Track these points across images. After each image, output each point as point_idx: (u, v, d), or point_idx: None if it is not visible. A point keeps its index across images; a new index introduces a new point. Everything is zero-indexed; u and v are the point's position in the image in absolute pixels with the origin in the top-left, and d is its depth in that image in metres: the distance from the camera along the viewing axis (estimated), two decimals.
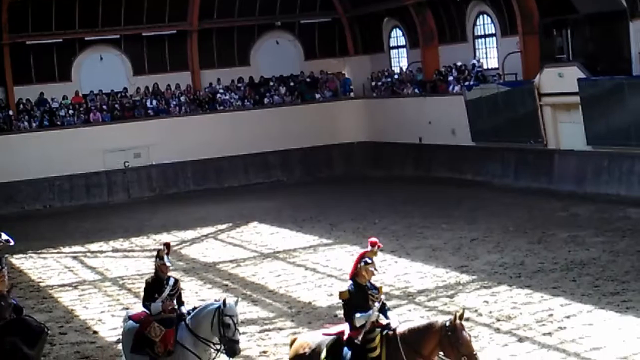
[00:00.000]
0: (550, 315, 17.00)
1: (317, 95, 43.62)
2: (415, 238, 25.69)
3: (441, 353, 10.54)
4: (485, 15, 37.67)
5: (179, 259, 25.28)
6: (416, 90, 39.90)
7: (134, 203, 38.45)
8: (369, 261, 11.02)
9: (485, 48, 38.17)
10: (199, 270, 23.85)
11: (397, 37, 43.63)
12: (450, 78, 37.86)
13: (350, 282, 11.09)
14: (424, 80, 39.89)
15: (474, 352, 10.38)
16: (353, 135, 42.59)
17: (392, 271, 21.82)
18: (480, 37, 38.32)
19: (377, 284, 11.17)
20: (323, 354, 11.01)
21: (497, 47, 37.20)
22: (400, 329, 10.84)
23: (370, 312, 10.89)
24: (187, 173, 40.80)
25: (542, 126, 32.38)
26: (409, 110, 39.46)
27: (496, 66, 36.58)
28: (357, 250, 24.21)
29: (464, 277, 20.70)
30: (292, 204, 34.31)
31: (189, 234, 29.74)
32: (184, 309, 12.89)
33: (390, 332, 10.83)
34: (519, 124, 33.27)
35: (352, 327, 10.90)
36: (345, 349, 10.90)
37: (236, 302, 12.30)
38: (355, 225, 28.42)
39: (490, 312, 17.61)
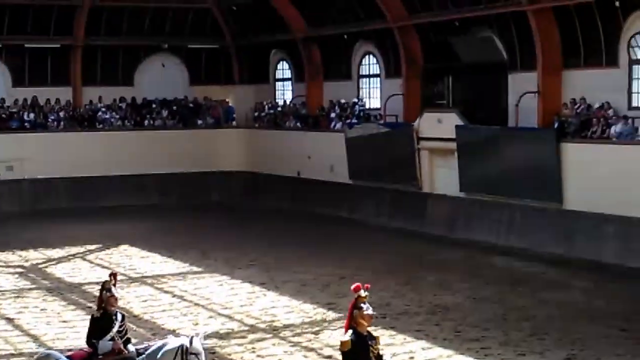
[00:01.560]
0: (412, 358, 17.22)
1: (199, 122, 43.43)
2: (286, 272, 25.71)
3: None
4: (371, 56, 38.25)
5: (44, 277, 24.70)
6: (298, 124, 40.14)
7: (3, 216, 37.42)
8: (363, 306, 10.59)
9: (369, 88, 38.73)
10: (63, 291, 23.33)
11: (284, 69, 43.90)
12: (333, 115, 38.21)
13: (350, 331, 10.50)
14: (307, 115, 40.16)
15: None
16: (232, 164, 42.51)
17: (259, 304, 21.77)
18: (365, 76, 38.88)
19: (375, 334, 10.77)
20: None
21: (380, 88, 37.78)
22: None
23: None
24: (60, 190, 39.96)
25: (419, 169, 32.94)
26: (289, 143, 39.65)
27: (378, 106, 37.12)
28: (226, 280, 24.21)
29: (331, 314, 20.79)
30: (165, 229, 33.98)
31: (57, 252, 29.11)
32: (131, 348, 12.13)
33: None
34: (397, 165, 33.76)
35: None
36: None
37: (204, 336, 11.63)
38: (227, 255, 28.29)
39: None
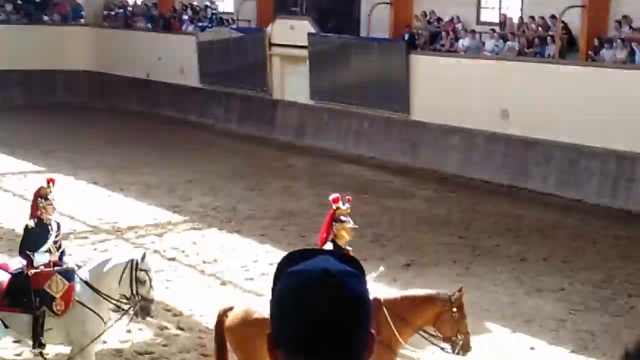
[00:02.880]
0: (255, 261, 17.31)
1: (46, 17, 41.76)
2: (132, 174, 25.29)
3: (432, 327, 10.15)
4: None
5: None
6: (149, 25, 39.14)
7: None
8: (345, 219, 10.36)
9: None
10: None
11: None
12: (185, 17, 37.42)
13: (329, 244, 10.19)
14: (158, 16, 39.18)
15: (469, 331, 10.13)
16: (79, 63, 41.10)
17: (103, 205, 21.38)
18: None
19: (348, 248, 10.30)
20: None
21: None
22: (389, 296, 10.29)
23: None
24: None
25: (270, 76, 32.72)
26: (139, 44, 38.64)
27: (231, 10, 36.52)
28: (70, 181, 23.56)
29: (176, 217, 20.66)
30: (6, 128, 32.75)
31: None
32: (69, 260, 11.26)
33: (371, 299, 10.17)
34: (248, 70, 33.42)
35: None
36: None
37: (144, 256, 10.89)
38: (72, 155, 27.56)
39: (198, 254, 17.69)
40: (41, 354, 11.10)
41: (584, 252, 18.35)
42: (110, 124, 34.91)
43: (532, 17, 25.92)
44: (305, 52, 30.73)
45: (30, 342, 10.97)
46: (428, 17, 28.97)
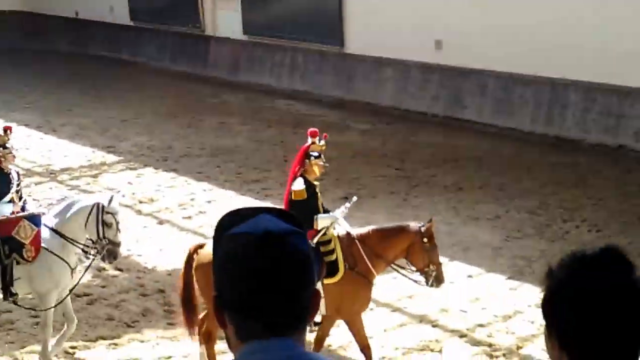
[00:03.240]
0: (192, 199, 17.20)
1: None
2: (64, 115, 24.87)
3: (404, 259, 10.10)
4: None
5: None
6: None
7: None
8: (317, 154, 10.13)
9: None
10: None
11: None
12: None
13: (300, 179, 9.99)
14: None
15: (441, 262, 10.12)
16: (5, 3, 40.07)
17: (36, 148, 21.03)
18: None
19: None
20: None
21: None
22: (360, 231, 10.16)
23: (337, 212, 10.13)
24: None
25: (201, 11, 32.23)
26: None
27: None
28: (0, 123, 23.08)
29: (110, 158, 20.41)
30: None
31: None
32: (32, 208, 10.85)
33: (344, 233, 10.08)
34: (179, 7, 32.88)
35: (305, 228, 9.79)
36: None
37: (111, 199, 10.37)
38: (1, 97, 26.97)
39: (134, 194, 17.51)
40: (15, 302, 10.65)
41: (520, 179, 18.53)
42: (39, 65, 34.20)
43: None
44: None
45: None
46: None
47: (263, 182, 18.40)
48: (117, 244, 10.44)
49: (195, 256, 9.89)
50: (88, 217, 10.23)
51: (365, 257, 9.87)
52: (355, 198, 10.82)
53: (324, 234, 9.92)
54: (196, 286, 9.91)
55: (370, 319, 11.21)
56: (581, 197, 17.14)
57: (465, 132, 22.95)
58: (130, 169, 19.55)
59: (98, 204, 10.30)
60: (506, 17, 22.98)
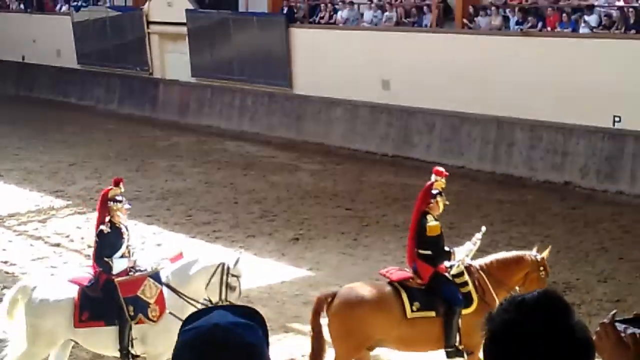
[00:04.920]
0: (142, 243, 16.90)
1: None
2: (11, 160, 24.62)
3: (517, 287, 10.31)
4: None
5: None
6: (22, 7, 38.04)
7: None
8: (438, 191, 10.45)
9: None
10: None
11: None
12: None
13: (429, 216, 10.27)
14: None
15: None
16: None
17: None
18: None
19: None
20: (406, 298, 9.95)
21: None
22: (483, 262, 10.43)
23: (470, 244, 10.53)
24: None
25: (149, 54, 32.24)
26: (13, 26, 37.55)
27: None
28: None
29: (59, 202, 20.22)
30: None
31: None
32: (144, 263, 10.32)
33: (470, 265, 10.34)
34: (127, 50, 32.88)
35: (439, 262, 10.19)
36: (445, 287, 10.06)
37: (237, 261, 10.03)
38: None
39: (82, 238, 17.32)
40: None
41: (469, 217, 18.62)
42: None
43: None
44: (184, 29, 30.36)
45: (117, 356, 10.11)
46: None
47: (213, 225, 18.32)
48: None
49: (325, 305, 9.91)
50: (211, 278, 9.86)
51: (490, 286, 10.17)
52: (484, 228, 10.97)
53: (457, 266, 10.23)
54: (328, 335, 9.95)
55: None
56: (529, 233, 17.27)
57: (414, 171, 23.02)
58: (79, 213, 19.35)
59: (223, 264, 9.90)
60: (451, 57, 23.26)
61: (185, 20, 30.21)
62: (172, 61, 31.77)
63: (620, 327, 2.82)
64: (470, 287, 10.12)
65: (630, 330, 2.81)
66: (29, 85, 36.95)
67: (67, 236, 17.48)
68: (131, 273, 10.11)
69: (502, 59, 22.41)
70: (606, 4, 22.10)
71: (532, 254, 10.50)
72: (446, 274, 10.17)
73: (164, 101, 32.10)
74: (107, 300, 9.83)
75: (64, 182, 22.11)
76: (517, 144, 22.46)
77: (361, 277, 14.85)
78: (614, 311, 2.86)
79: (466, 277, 10.17)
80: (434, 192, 10.51)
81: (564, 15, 22.42)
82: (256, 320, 2.46)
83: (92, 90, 34.78)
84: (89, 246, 16.76)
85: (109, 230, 10.01)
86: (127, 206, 10.28)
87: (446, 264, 10.23)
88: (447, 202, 10.71)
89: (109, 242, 10.02)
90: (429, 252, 10.20)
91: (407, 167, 23.50)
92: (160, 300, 9.88)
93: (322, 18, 27.84)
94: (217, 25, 29.45)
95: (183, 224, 18.38)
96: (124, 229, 10.21)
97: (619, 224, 18.09)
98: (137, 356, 10.00)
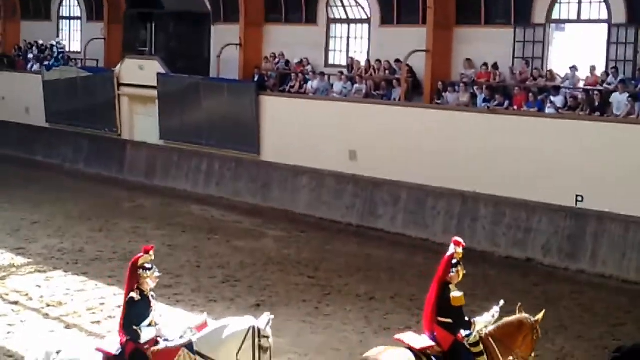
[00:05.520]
0: (102, 304, 16.87)
1: None
2: None
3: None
4: None
5: None
6: None
7: None
8: (457, 261, 10.66)
9: (70, 30, 37.38)
10: None
11: None
12: (30, 56, 36.55)
13: (451, 286, 10.57)
14: (2, 55, 38.15)
15: None
16: None
17: None
18: (66, 18, 37.48)
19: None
20: None
21: (81, 31, 36.58)
22: (491, 328, 10.74)
23: (488, 315, 10.86)
24: None
25: (118, 116, 32.25)
26: None
27: (79, 50, 35.88)
28: None
29: (20, 260, 19.98)
30: None
31: None
32: (169, 333, 10.10)
33: (481, 332, 10.66)
34: (96, 110, 32.86)
35: (458, 331, 10.46)
36: (464, 355, 10.37)
37: (269, 322, 9.97)
38: None
39: (42, 297, 17.13)
40: None
41: None
42: None
43: (379, 61, 26.41)
44: (154, 93, 30.45)
45: None
46: (277, 59, 29.17)
47: (175, 288, 18.16)
48: None
49: None
50: (243, 342, 9.73)
51: (499, 353, 10.54)
52: (502, 302, 11.14)
53: (474, 336, 10.49)
54: None
55: None
56: (491, 308, 17.26)
57: (379, 242, 23.12)
58: (40, 271, 19.14)
59: (254, 327, 9.78)
60: (418, 131, 23.50)
61: (156, 84, 30.31)
62: (141, 123, 31.79)
63: None
64: (485, 356, 10.46)
65: None
66: None
67: (26, 294, 17.26)
68: (159, 342, 9.92)
69: (469, 135, 22.65)
70: (572, 86, 22.48)
71: (528, 317, 10.85)
72: (464, 343, 10.41)
73: (132, 163, 32.03)
74: None
75: (26, 240, 21.88)
76: (481, 219, 22.59)
77: (321, 346, 14.78)
78: None
79: (481, 346, 10.47)
80: (454, 262, 10.76)
81: (531, 95, 22.74)
82: None
83: (60, 149, 34.66)
84: (48, 305, 16.61)
85: (139, 298, 9.84)
86: (157, 274, 10.08)
87: (463, 333, 10.45)
88: (465, 271, 10.90)
89: (138, 310, 9.84)
90: (449, 321, 10.45)
91: (371, 238, 23.54)
92: None
93: (292, 87, 28.05)
94: (187, 90, 29.56)
95: None
96: (151, 298, 10.04)
97: (578, 302, 18.16)
98: None
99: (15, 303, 16.72)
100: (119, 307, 16.49)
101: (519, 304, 11.17)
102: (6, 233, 22.56)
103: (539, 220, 21.54)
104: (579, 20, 23.07)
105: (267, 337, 9.79)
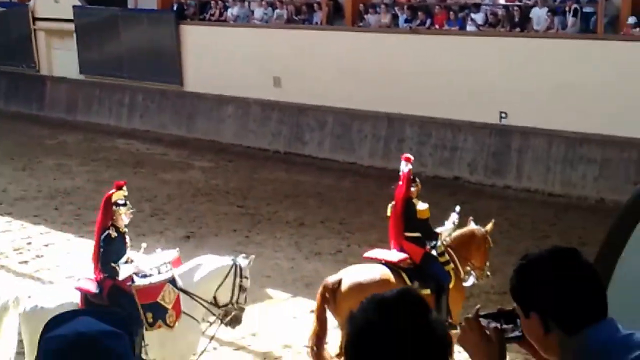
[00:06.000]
0: (29, 243, 16.61)
1: None
2: None
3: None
4: None
5: None
6: None
7: None
8: (414, 177, 11.07)
9: None
10: None
11: None
12: None
13: (415, 200, 10.90)
14: None
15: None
16: None
17: None
18: None
19: None
20: (406, 278, 10.54)
21: None
22: (448, 240, 11.06)
23: (449, 224, 11.21)
24: None
25: (36, 51, 31.50)
26: None
27: None
28: None
29: None
30: None
31: None
32: (143, 267, 9.92)
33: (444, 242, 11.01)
34: (12, 47, 32.04)
35: (428, 243, 10.82)
36: (434, 266, 10.70)
37: (250, 262, 10.08)
38: None
39: None
40: None
41: (360, 213, 18.73)
42: None
43: None
44: (71, 26, 29.74)
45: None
46: None
47: None
48: (243, 310, 9.99)
49: (332, 291, 10.19)
50: (224, 279, 9.81)
51: (458, 262, 10.92)
52: (458, 208, 11.67)
53: (439, 246, 10.89)
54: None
55: (214, 358, 11.05)
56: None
57: (306, 168, 23.08)
58: None
59: (237, 265, 9.85)
60: (341, 54, 23.36)
61: (72, 17, 29.59)
62: (59, 58, 31.11)
63: (484, 321, 2.96)
64: (452, 265, 10.82)
65: (492, 324, 2.95)
66: None
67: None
68: (136, 278, 9.80)
69: (392, 56, 22.58)
70: (491, 3, 22.49)
71: (479, 228, 11.28)
72: (432, 253, 10.78)
73: (52, 99, 31.40)
74: (124, 307, 9.46)
75: None
76: (407, 140, 22.66)
77: (254, 273, 14.75)
78: (478, 306, 3.02)
79: (447, 256, 10.86)
80: (415, 179, 11.15)
81: (452, 13, 22.71)
82: (122, 327, 2.34)
83: None
84: None
85: (116, 235, 9.70)
86: (131, 210, 9.94)
87: (429, 244, 10.83)
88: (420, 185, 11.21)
89: (115, 247, 9.71)
90: (417, 234, 10.78)
91: (298, 164, 23.50)
92: (177, 305, 9.71)
93: (212, 15, 27.58)
94: (105, 22, 28.92)
95: (71, 224, 17.96)
96: (125, 234, 9.92)
97: (506, 217, 18.39)
98: None
99: None
100: (46, 245, 16.36)
101: (470, 217, 11.54)
102: None
103: (464, 138, 21.69)
104: None
105: (247, 278, 9.91)
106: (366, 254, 11.10)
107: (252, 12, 26.73)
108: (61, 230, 17.46)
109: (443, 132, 22.03)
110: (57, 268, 15.14)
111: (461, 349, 2.95)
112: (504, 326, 2.95)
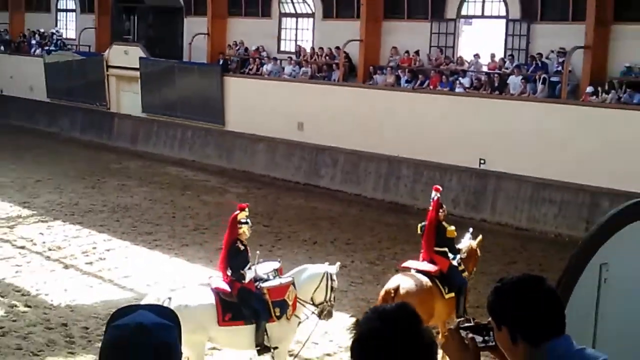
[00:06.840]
0: (94, 248, 16.73)
1: None
2: None
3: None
4: None
5: None
6: (2, 48, 37.11)
7: None
8: (441, 203, 11.46)
9: (66, 21, 36.60)
10: None
11: None
12: (33, 42, 35.74)
13: (445, 223, 11.37)
14: (10, 40, 37.28)
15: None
16: None
17: None
18: (63, 10, 36.68)
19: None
20: (439, 283, 11.03)
21: (76, 22, 35.84)
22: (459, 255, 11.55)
23: (467, 242, 11.71)
24: None
25: (107, 92, 31.75)
26: None
27: (74, 37, 35.17)
28: None
29: (25, 212, 19.69)
30: None
31: None
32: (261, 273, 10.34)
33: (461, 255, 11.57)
34: (89, 88, 32.30)
35: (451, 257, 11.30)
36: (457, 274, 11.22)
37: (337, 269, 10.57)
38: None
39: (44, 243, 16.94)
40: (272, 355, 10.14)
41: (363, 236, 18.77)
42: None
43: (322, 48, 26.29)
44: (137, 73, 30.01)
45: (254, 351, 10.11)
46: (238, 47, 28.89)
47: (154, 235, 18.07)
48: (333, 306, 10.39)
49: (395, 294, 10.43)
50: (320, 283, 10.15)
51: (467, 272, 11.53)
52: (471, 229, 12.16)
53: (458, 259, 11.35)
54: None
55: (214, 358, 11.08)
56: (411, 251, 17.34)
57: (321, 197, 23.16)
58: (42, 221, 18.89)
59: (327, 272, 10.26)
60: (353, 106, 23.50)
61: (138, 66, 29.87)
62: (126, 99, 31.35)
63: (463, 333, 2.94)
64: (466, 273, 11.44)
65: (470, 335, 2.94)
66: (6, 114, 35.92)
67: (31, 240, 17.05)
68: (257, 282, 10.15)
69: (394, 109, 22.70)
70: (476, 70, 22.60)
71: (472, 242, 11.72)
72: (455, 264, 11.29)
73: (119, 131, 31.61)
74: (242, 304, 9.86)
75: (30, 195, 21.55)
76: (403, 178, 22.72)
77: None
78: (459, 319, 2.99)
79: (462, 266, 11.42)
80: (441, 204, 11.54)
81: (444, 77, 22.84)
82: (173, 321, 2.36)
83: (58, 120, 34.04)
84: (49, 249, 16.41)
85: (243, 247, 10.08)
86: (250, 226, 10.41)
87: (451, 256, 11.30)
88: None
89: (241, 257, 10.05)
90: (445, 249, 11.28)
91: (315, 194, 23.58)
92: (295, 303, 10.08)
93: (250, 70, 27.81)
94: (164, 71, 29.18)
95: (129, 233, 18.08)
96: (248, 247, 10.27)
97: (480, 245, 18.34)
98: (272, 349, 10.05)
99: (22, 247, 16.52)
100: (108, 250, 16.46)
101: (479, 234, 12.13)
102: (14, 189, 22.21)
103: (450, 179, 21.73)
104: (482, 16, 23.17)
105: (335, 281, 10.30)
106: (404, 264, 11.66)
107: (283, 68, 26.93)
108: (120, 239, 17.57)
109: (433, 172, 22.07)
110: (116, 269, 15.24)
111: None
112: (479, 337, 2.95)
